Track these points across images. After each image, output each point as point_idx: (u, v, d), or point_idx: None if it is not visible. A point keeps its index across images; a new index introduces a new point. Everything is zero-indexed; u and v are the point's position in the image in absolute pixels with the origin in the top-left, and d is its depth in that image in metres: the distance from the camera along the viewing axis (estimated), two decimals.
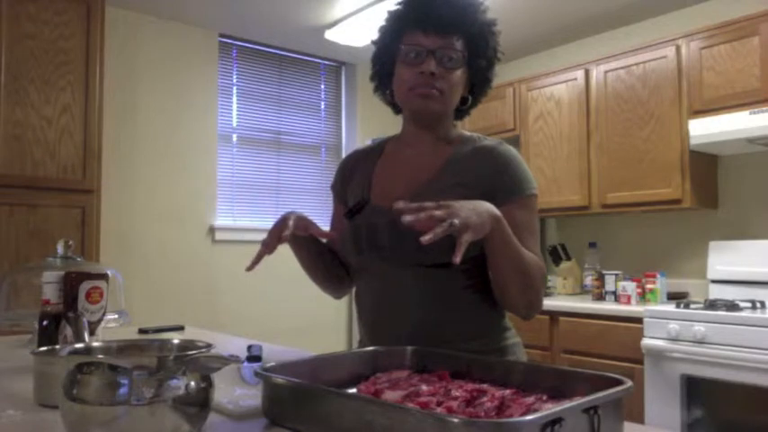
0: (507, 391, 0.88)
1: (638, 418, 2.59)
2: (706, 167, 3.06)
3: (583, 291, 3.50)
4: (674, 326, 2.55)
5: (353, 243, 1.25)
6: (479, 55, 1.23)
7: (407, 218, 0.96)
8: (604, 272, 3.19)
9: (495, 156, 1.22)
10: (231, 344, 1.74)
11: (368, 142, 2.53)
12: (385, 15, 1.27)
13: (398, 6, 1.25)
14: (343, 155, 4.27)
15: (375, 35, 1.30)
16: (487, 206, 1.05)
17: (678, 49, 2.97)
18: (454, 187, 1.20)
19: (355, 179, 1.34)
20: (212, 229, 3.67)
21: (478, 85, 1.28)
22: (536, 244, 1.20)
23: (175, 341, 0.95)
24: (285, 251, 1.37)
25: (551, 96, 3.51)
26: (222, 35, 3.81)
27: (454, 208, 0.98)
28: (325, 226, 1.43)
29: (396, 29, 1.24)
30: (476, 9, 1.22)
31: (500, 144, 1.26)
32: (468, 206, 1.01)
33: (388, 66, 1.26)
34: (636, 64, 3.13)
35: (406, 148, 1.31)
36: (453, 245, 1.12)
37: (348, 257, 1.32)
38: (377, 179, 1.30)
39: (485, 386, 0.90)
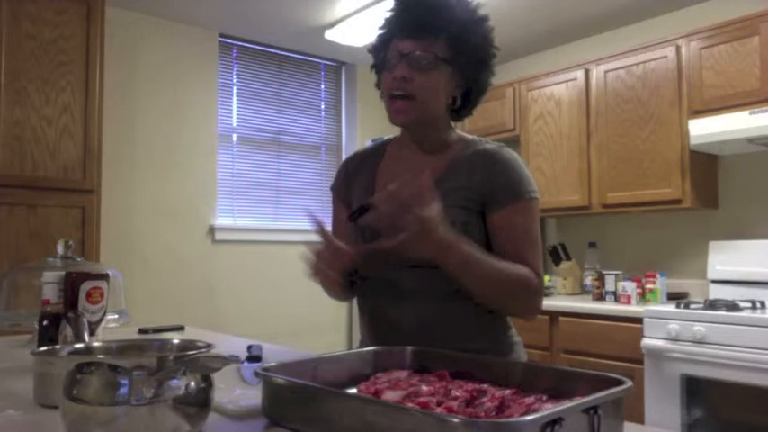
0: (507, 391, 0.88)
1: (638, 418, 2.59)
2: (706, 167, 3.06)
3: (583, 291, 3.50)
4: (674, 326, 2.55)
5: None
6: (463, 54, 1.21)
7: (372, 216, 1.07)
8: (604, 272, 3.19)
9: (493, 160, 1.22)
10: (231, 344, 1.74)
11: (368, 143, 2.54)
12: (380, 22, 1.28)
13: (388, 13, 1.25)
14: (344, 155, 4.27)
15: (373, 42, 1.30)
16: (440, 236, 1.05)
17: (678, 49, 2.97)
18: (455, 191, 1.20)
19: (358, 181, 1.34)
20: (212, 229, 3.67)
21: (470, 85, 1.26)
22: (531, 250, 1.18)
23: (175, 341, 0.95)
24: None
25: (551, 96, 3.50)
26: (222, 35, 3.81)
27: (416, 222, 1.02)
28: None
29: (384, 37, 1.25)
30: (456, 9, 1.20)
31: (500, 148, 1.25)
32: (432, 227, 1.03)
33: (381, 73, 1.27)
34: (636, 64, 3.13)
35: (406, 151, 1.31)
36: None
37: None
38: (380, 183, 1.30)
39: (485, 386, 0.90)
